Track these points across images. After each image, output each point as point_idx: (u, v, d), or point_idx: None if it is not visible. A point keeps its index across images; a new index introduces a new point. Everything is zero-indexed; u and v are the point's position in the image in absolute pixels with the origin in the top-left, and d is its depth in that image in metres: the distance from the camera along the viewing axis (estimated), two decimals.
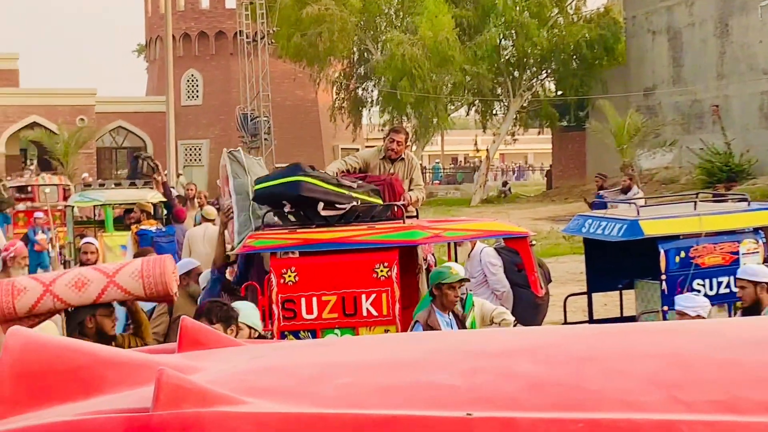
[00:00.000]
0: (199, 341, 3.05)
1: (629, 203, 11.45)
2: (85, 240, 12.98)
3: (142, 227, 16.20)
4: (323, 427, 2.23)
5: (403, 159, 9.80)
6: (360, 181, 8.92)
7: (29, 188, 26.93)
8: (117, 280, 6.75)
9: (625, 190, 19.95)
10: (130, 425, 2.32)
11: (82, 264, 12.05)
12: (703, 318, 7.87)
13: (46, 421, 2.43)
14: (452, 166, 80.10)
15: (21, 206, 25.17)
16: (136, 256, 11.48)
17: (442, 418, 2.23)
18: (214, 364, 2.77)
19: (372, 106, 52.64)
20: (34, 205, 25.05)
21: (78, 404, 2.54)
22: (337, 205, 8.39)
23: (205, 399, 2.31)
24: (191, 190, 21.81)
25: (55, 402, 2.58)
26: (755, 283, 8.39)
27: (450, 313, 7.98)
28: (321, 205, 8.37)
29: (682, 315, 8.08)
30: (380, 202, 8.70)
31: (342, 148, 55.91)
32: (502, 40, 47.48)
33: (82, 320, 6.88)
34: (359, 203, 8.49)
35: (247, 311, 7.21)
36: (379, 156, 9.83)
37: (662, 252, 9.29)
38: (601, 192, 20.76)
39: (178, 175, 39.24)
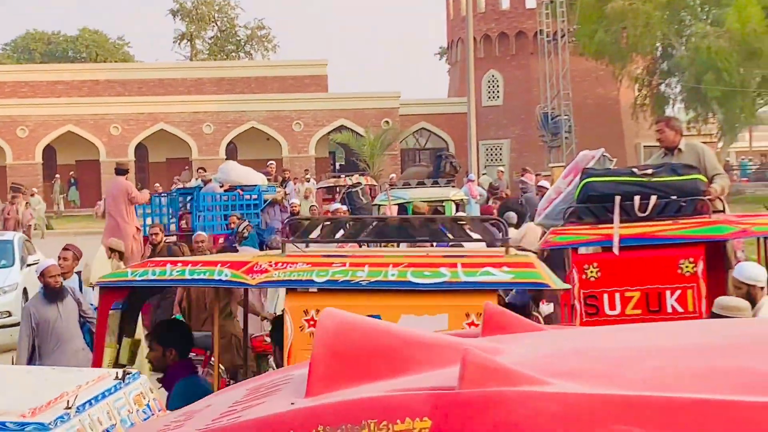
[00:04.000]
0: (502, 325, 3.09)
1: None
2: None
3: None
4: (631, 409, 2.21)
5: (681, 150, 9.48)
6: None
7: (337, 189, 27.96)
8: None
9: None
10: (437, 402, 2.38)
11: None
12: None
13: (359, 396, 2.53)
14: (761, 162, 76.77)
15: (328, 207, 26.22)
16: None
17: (753, 403, 2.16)
18: (517, 346, 2.79)
19: (675, 103, 51.31)
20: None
21: (387, 382, 2.63)
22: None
23: (509, 378, 2.33)
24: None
25: (366, 379, 2.67)
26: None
27: None
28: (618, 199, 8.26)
29: None
30: (686, 177, 8.42)
31: (644, 146, 54.79)
32: None
33: None
34: (661, 190, 8.29)
35: None
36: (661, 155, 9.63)
37: None
38: None
39: (481, 175, 39.64)
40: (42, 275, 11.21)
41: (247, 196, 19.88)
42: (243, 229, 16.96)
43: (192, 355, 12.39)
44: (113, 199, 17.80)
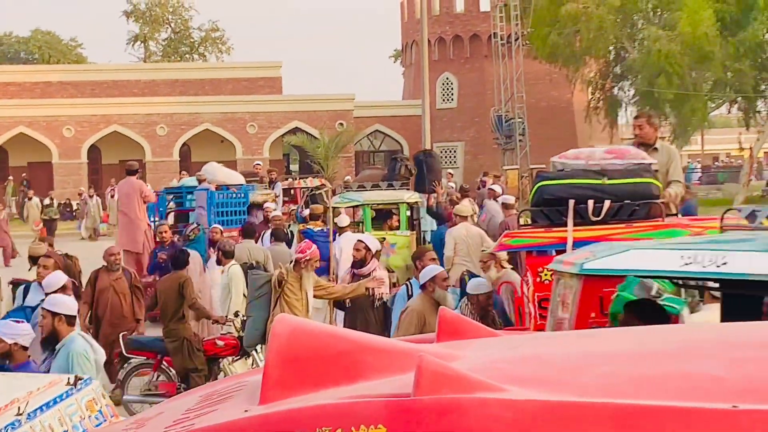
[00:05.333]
0: (457, 331, 3.08)
1: None
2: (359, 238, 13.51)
3: (307, 227, 17.60)
4: (584, 416, 2.21)
5: (656, 149, 9.53)
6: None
7: (292, 191, 27.84)
8: None
9: None
10: (392, 409, 2.36)
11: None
12: None
13: (313, 403, 2.51)
14: (716, 164, 77.53)
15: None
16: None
17: (706, 409, 2.16)
18: (472, 352, 2.79)
19: (628, 106, 51.62)
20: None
21: (342, 389, 2.61)
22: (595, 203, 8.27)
23: (464, 385, 2.32)
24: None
25: (320, 386, 2.66)
26: None
27: None
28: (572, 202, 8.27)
29: None
30: (639, 180, 8.45)
31: None
32: (767, 35, 45.57)
33: None
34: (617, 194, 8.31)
35: None
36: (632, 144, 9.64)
37: None
38: None
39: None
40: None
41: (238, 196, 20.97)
42: (190, 232, 16.86)
43: (142, 358, 12.31)
44: (127, 197, 19.03)
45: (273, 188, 25.64)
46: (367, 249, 12.39)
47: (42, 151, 51.74)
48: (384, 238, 16.65)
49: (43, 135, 51.64)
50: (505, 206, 17.93)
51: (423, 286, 9.76)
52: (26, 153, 52.21)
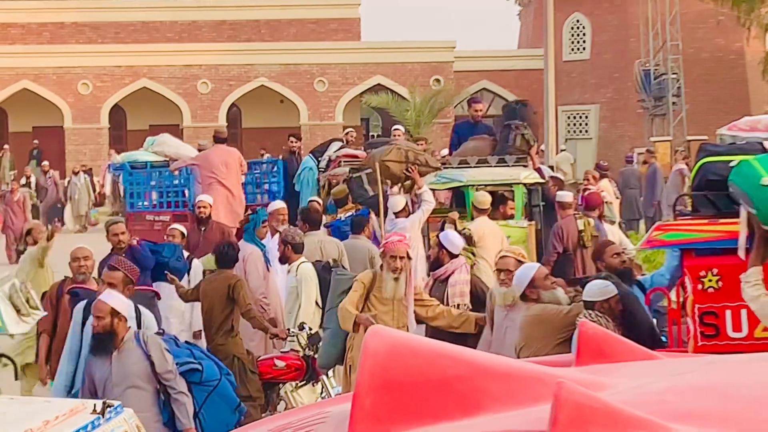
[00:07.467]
0: (602, 352, 3.09)
1: None
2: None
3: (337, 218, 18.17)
4: None
5: None
6: None
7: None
8: None
9: None
10: None
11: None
12: None
13: None
14: None
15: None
16: None
17: None
18: (624, 380, 2.80)
19: None
20: None
21: (456, 424, 2.64)
22: None
23: (616, 422, 2.34)
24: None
25: (425, 420, 2.69)
26: None
27: None
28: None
29: None
30: None
31: None
32: None
33: None
34: None
35: None
36: None
37: None
38: None
39: (559, 151, 39.47)
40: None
41: None
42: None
43: None
44: (227, 168, 20.23)
45: None
46: (441, 247, 12.33)
47: (51, 112, 52.43)
48: None
49: (52, 92, 52.33)
50: (561, 206, 17.59)
51: (523, 297, 9.83)
52: (31, 115, 52.92)
